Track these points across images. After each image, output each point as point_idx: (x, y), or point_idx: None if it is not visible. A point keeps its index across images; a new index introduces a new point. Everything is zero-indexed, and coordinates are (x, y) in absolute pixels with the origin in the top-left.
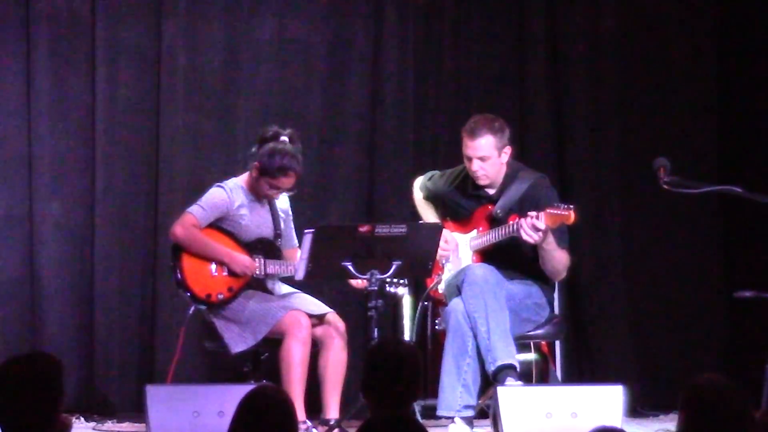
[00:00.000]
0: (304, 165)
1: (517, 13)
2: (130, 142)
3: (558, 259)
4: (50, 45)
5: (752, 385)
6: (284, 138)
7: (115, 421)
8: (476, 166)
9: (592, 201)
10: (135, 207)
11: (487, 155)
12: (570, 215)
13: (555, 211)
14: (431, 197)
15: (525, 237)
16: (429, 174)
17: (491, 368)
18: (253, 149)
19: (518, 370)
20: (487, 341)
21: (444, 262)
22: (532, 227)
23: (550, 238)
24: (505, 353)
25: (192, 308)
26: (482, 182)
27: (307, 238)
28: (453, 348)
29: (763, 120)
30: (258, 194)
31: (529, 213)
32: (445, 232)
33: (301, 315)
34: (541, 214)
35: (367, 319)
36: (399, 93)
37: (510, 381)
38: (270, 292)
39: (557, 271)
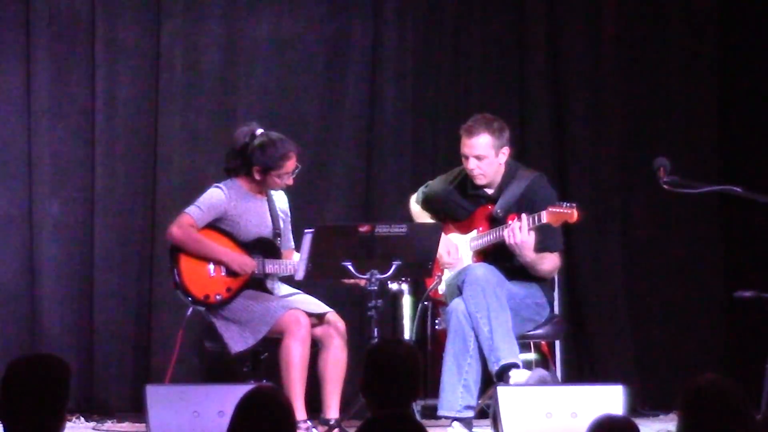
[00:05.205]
0: (302, 165)
1: (517, 14)
2: (129, 141)
3: (541, 268)
4: (50, 45)
5: (752, 385)
6: (260, 130)
7: (115, 421)
8: (473, 165)
9: (592, 201)
10: (134, 207)
11: (484, 154)
12: (573, 213)
13: (557, 210)
14: (430, 202)
15: (505, 234)
16: (424, 185)
17: (494, 368)
18: (238, 159)
19: (521, 369)
20: (489, 341)
21: (447, 269)
22: (518, 229)
23: (529, 253)
24: (509, 352)
25: (190, 309)
26: (479, 182)
27: (307, 238)
28: (454, 348)
29: (763, 120)
30: (260, 191)
31: (524, 215)
32: (450, 243)
33: (300, 314)
34: (524, 223)
35: (367, 319)
36: (398, 93)
37: (514, 372)
38: (269, 292)
39: (543, 275)
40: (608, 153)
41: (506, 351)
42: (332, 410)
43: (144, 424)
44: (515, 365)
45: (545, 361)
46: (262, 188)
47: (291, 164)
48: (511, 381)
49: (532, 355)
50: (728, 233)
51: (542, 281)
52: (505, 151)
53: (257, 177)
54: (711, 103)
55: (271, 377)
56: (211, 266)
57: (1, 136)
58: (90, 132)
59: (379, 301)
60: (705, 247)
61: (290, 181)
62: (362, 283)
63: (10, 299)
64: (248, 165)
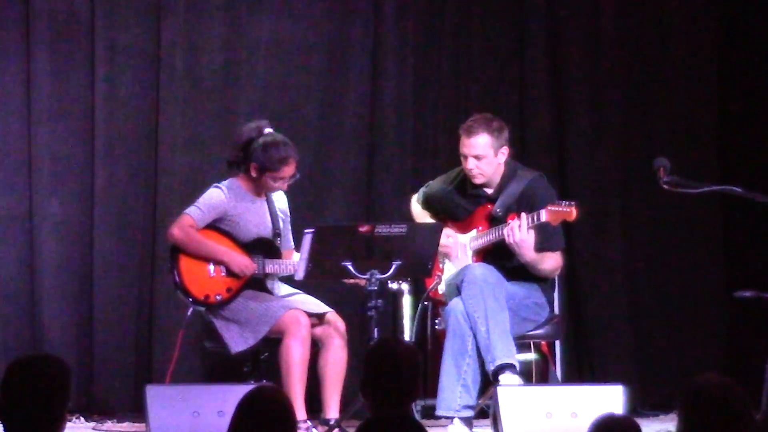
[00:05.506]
0: (302, 165)
1: (517, 13)
2: (129, 141)
3: (542, 267)
4: (50, 45)
5: (752, 385)
6: (268, 129)
7: (115, 421)
8: (471, 164)
9: (592, 201)
10: (134, 206)
11: (483, 154)
12: (572, 212)
13: (557, 208)
14: (430, 202)
15: (505, 233)
16: (425, 185)
17: (491, 367)
18: (241, 153)
19: (518, 369)
20: (486, 341)
21: (448, 259)
22: (518, 228)
23: (528, 252)
24: (505, 352)
25: (190, 309)
26: (478, 181)
27: (307, 238)
28: (453, 348)
29: (763, 120)
30: (259, 192)
31: (523, 213)
32: (448, 230)
33: (300, 314)
34: (523, 222)
35: (367, 319)
36: (399, 93)
37: (508, 374)
38: (269, 292)
39: (545, 274)
40: (608, 152)
41: (503, 351)
42: (332, 410)
43: (144, 424)
44: (511, 366)
45: (545, 361)
46: (261, 188)
47: (288, 170)
48: (500, 383)
49: (532, 355)
50: (728, 233)
51: (542, 281)
52: (505, 151)
53: (253, 174)
54: (711, 103)
55: (271, 377)
56: (211, 266)
57: (1, 136)
58: (90, 132)
59: (379, 301)
60: (705, 247)
61: (284, 187)
62: (362, 283)
63: (10, 298)
64: (248, 161)
